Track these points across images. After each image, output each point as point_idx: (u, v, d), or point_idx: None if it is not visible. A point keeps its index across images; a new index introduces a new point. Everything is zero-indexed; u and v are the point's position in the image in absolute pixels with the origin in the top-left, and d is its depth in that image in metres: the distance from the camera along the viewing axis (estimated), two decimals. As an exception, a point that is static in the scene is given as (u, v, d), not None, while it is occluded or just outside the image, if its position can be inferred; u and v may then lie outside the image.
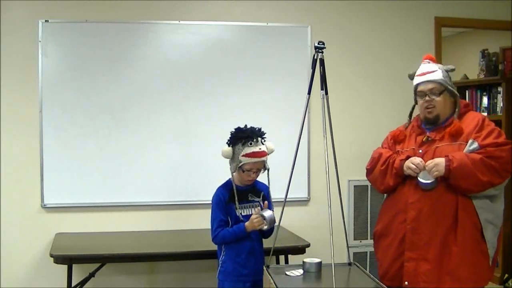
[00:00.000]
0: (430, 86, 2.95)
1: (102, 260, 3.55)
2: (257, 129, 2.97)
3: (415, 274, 2.87)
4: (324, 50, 2.82)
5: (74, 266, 3.44)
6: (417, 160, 2.88)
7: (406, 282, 2.89)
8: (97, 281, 3.80)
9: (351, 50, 4.30)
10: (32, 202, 3.87)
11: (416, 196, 2.89)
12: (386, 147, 3.16)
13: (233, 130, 2.99)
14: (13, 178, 3.84)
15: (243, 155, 2.91)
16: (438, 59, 4.39)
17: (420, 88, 2.99)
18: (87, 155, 3.91)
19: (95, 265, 3.70)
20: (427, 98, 2.95)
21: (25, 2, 3.83)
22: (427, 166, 2.84)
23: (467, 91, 5.50)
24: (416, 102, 3.10)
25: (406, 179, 2.95)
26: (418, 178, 2.86)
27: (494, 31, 5.10)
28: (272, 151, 3.01)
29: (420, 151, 2.95)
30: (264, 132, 3.00)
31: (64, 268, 3.40)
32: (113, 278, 3.97)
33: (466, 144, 2.86)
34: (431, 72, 2.97)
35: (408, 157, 2.93)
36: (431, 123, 2.99)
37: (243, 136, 2.93)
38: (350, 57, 4.30)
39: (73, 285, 3.47)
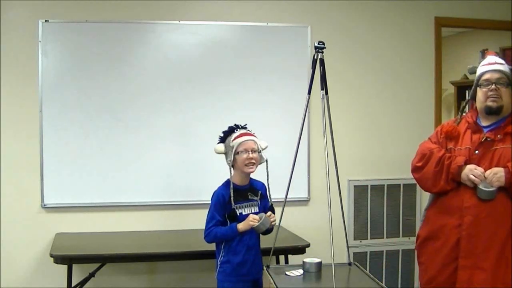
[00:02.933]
0: (497, 75, 2.81)
1: (102, 260, 3.55)
2: (240, 125, 3.07)
3: (470, 283, 2.70)
4: (324, 50, 2.83)
5: (74, 266, 3.44)
6: (478, 171, 2.72)
7: None
8: (97, 281, 3.80)
9: (351, 50, 4.30)
10: (32, 202, 3.87)
11: (473, 200, 2.73)
12: (435, 142, 2.96)
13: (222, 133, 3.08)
14: (13, 178, 3.84)
15: (233, 140, 2.98)
16: (438, 59, 4.42)
17: (486, 76, 2.83)
18: (87, 155, 3.90)
19: (95, 265, 3.70)
20: (493, 86, 2.79)
21: (25, 2, 3.83)
22: (487, 176, 2.70)
23: (467, 91, 5.51)
24: (472, 97, 2.94)
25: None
26: (479, 186, 2.71)
27: (494, 31, 5.10)
28: (266, 147, 3.05)
29: (477, 152, 2.79)
30: (247, 127, 3.07)
31: (64, 268, 3.40)
32: (113, 278, 3.97)
33: None
34: (500, 63, 2.87)
35: (466, 162, 2.77)
36: (492, 113, 2.81)
37: (230, 130, 3.04)
38: (350, 57, 4.30)
39: (73, 285, 3.47)
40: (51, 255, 3.33)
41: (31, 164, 3.85)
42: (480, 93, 2.86)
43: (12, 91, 3.83)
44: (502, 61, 2.89)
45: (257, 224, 2.90)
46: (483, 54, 5.43)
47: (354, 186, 4.31)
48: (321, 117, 2.78)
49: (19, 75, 3.84)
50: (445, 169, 2.81)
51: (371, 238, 4.34)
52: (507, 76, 2.83)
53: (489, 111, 2.82)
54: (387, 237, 4.36)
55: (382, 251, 4.33)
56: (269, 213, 2.99)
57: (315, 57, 2.83)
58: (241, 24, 4.12)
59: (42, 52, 3.83)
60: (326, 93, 2.83)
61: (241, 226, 2.95)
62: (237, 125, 3.05)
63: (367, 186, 4.32)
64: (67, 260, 3.34)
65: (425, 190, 3.04)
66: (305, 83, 3.77)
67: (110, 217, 3.97)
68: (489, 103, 2.81)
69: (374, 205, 4.35)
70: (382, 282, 2.86)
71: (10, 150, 3.83)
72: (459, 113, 3.04)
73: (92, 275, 3.70)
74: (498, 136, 2.79)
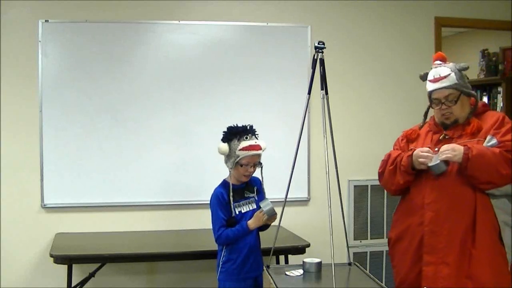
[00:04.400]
0: (446, 93, 2.76)
1: (102, 260, 3.55)
2: (248, 126, 3.01)
3: (435, 278, 2.71)
4: (324, 50, 2.83)
5: (74, 266, 3.44)
6: (424, 152, 2.73)
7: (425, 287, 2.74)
8: (97, 281, 3.80)
9: (351, 50, 4.30)
10: (32, 202, 3.87)
11: (433, 195, 2.74)
12: (397, 148, 3.00)
13: (226, 128, 3.02)
14: (13, 178, 3.84)
15: (240, 149, 2.93)
16: (438, 59, 4.40)
17: (435, 95, 2.81)
18: (87, 155, 3.90)
19: (95, 265, 3.70)
20: (443, 106, 2.78)
21: (25, 2, 3.83)
22: (442, 148, 2.69)
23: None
24: (431, 105, 2.92)
25: (421, 178, 2.81)
26: (428, 165, 2.71)
27: (494, 31, 5.10)
28: (264, 149, 3.03)
29: (436, 149, 2.77)
30: (255, 129, 3.03)
31: (64, 268, 3.40)
32: (113, 278, 3.97)
33: (485, 140, 2.71)
34: (444, 77, 2.76)
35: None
36: (448, 127, 2.84)
37: (238, 132, 2.97)
38: (350, 57, 4.30)
39: (73, 285, 3.47)
40: (51, 255, 3.33)
41: (31, 164, 3.85)
42: (434, 108, 2.87)
43: (12, 91, 3.83)
44: (447, 71, 2.77)
45: (267, 216, 2.92)
46: (483, 54, 5.43)
47: (354, 186, 4.31)
48: (321, 117, 2.78)
49: (19, 75, 3.84)
50: (398, 165, 2.86)
51: (371, 238, 4.34)
52: (455, 88, 2.76)
53: (445, 127, 2.86)
54: (387, 237, 4.34)
55: (382, 251, 4.33)
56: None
57: (315, 57, 2.83)
58: (241, 24, 4.12)
59: (42, 52, 3.83)
60: (326, 93, 2.83)
61: (252, 224, 2.95)
62: (246, 127, 3.00)
63: (367, 186, 4.32)
64: (67, 260, 3.34)
65: (390, 193, 3.09)
66: (305, 83, 3.77)
67: (110, 217, 3.97)
68: (444, 120, 2.85)
69: (374, 205, 4.35)
70: (382, 282, 2.86)
71: (10, 150, 3.83)
72: (423, 118, 3.05)
73: (92, 275, 3.70)
74: (457, 133, 2.81)
